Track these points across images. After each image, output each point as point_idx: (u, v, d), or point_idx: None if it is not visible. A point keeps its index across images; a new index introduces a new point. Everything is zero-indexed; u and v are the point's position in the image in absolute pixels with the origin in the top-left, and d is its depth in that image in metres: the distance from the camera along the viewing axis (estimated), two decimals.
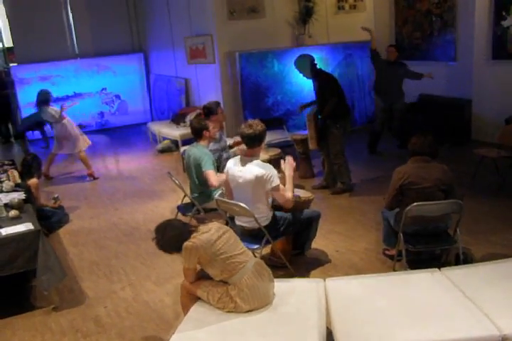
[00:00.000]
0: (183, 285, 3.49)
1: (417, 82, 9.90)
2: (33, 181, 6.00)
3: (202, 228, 3.37)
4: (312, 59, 6.39)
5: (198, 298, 3.41)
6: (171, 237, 3.31)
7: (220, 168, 5.35)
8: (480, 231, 5.18)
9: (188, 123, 9.44)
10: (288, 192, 4.18)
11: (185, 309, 3.44)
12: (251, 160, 4.18)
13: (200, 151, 5.16)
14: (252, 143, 4.19)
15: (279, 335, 2.98)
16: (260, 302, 3.29)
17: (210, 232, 3.32)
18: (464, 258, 4.18)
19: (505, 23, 7.92)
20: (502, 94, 8.08)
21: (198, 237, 3.28)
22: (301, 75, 6.52)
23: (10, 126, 11.76)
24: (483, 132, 8.44)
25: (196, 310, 3.31)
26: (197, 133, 5.32)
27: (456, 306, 3.09)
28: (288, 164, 4.34)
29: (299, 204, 4.60)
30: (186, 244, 3.25)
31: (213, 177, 4.97)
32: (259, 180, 4.08)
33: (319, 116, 6.36)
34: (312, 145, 6.43)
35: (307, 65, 6.32)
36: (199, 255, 3.26)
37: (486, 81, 8.35)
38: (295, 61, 6.47)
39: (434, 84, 9.44)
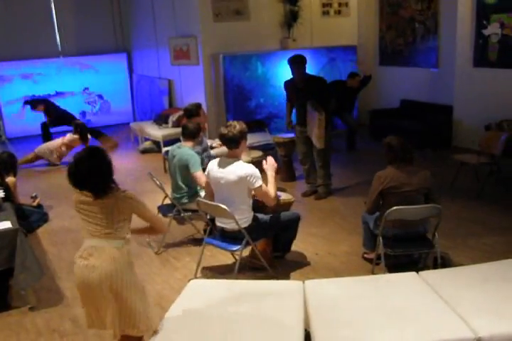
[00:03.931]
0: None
1: (398, 88, 10.04)
2: (10, 179, 5.93)
3: None
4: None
5: None
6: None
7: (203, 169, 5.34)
8: (458, 235, 5.25)
9: (170, 124, 9.43)
10: (271, 191, 4.21)
11: None
12: (232, 162, 4.19)
13: (187, 152, 5.13)
14: (229, 144, 4.21)
15: (257, 337, 2.98)
16: None
17: None
18: (441, 262, 4.23)
19: (486, 32, 8.04)
20: (482, 101, 8.19)
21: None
22: (286, 76, 6.48)
23: None
24: (464, 138, 8.55)
25: (175, 311, 3.29)
26: (193, 135, 5.30)
27: (433, 309, 3.12)
28: (269, 164, 4.36)
29: (280, 207, 4.62)
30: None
31: (202, 179, 4.91)
32: (243, 181, 4.10)
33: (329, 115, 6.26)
34: (320, 144, 6.13)
35: (305, 64, 6.17)
36: None
37: (467, 88, 8.46)
38: (298, 56, 6.17)
39: (416, 90, 9.56)
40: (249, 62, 8.98)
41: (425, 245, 4.31)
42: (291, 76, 6.31)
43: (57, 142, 8.88)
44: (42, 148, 8.85)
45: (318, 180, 6.57)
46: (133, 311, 2.95)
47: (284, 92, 6.69)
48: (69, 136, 8.82)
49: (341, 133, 9.13)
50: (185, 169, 5.09)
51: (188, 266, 4.87)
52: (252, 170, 4.13)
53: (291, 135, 7.05)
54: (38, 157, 8.82)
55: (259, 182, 4.12)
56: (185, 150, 5.19)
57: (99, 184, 2.94)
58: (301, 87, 6.17)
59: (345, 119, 8.89)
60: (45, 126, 9.97)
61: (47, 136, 9.84)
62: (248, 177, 4.09)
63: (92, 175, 2.90)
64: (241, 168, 4.13)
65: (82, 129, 8.85)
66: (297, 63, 6.13)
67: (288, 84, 6.46)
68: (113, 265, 2.89)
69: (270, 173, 4.31)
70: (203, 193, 5.10)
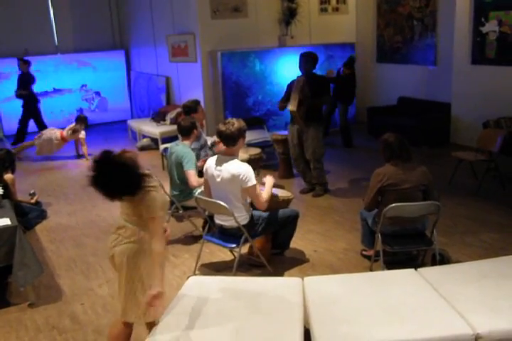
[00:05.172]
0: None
1: (396, 85, 10.03)
2: (9, 176, 5.92)
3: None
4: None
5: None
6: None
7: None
8: (456, 232, 5.27)
9: (168, 121, 9.43)
10: (263, 194, 4.22)
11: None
12: (229, 160, 4.20)
13: (183, 150, 5.14)
14: (227, 142, 4.21)
15: (256, 334, 2.99)
16: None
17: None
18: (440, 259, 4.24)
19: (484, 29, 8.05)
20: (480, 98, 8.21)
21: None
22: (284, 73, 6.49)
23: None
24: (461, 135, 8.58)
25: (173, 308, 3.30)
26: (187, 132, 5.30)
27: (432, 305, 3.13)
28: (269, 178, 4.46)
29: (278, 204, 4.62)
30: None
31: (193, 178, 4.97)
32: (235, 179, 4.10)
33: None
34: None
35: (315, 63, 6.31)
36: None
37: (465, 85, 8.47)
38: (311, 53, 6.32)
39: (413, 87, 9.57)
40: (247, 60, 8.98)
41: (423, 242, 4.32)
42: (298, 74, 6.37)
43: (59, 131, 9.06)
44: (43, 134, 9.05)
45: (313, 180, 6.59)
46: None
47: (284, 93, 6.59)
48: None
49: (337, 132, 9.18)
50: (180, 166, 5.10)
51: (186, 263, 4.88)
52: (245, 169, 4.13)
53: None
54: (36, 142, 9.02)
55: (252, 182, 4.12)
56: (182, 147, 5.21)
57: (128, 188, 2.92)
58: (304, 81, 6.19)
59: (340, 112, 8.97)
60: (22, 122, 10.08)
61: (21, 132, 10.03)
62: (241, 176, 4.09)
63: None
64: (235, 167, 4.14)
65: (80, 121, 9.02)
66: (308, 57, 6.25)
67: (292, 81, 6.42)
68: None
69: (268, 183, 4.40)
70: (197, 191, 5.11)
